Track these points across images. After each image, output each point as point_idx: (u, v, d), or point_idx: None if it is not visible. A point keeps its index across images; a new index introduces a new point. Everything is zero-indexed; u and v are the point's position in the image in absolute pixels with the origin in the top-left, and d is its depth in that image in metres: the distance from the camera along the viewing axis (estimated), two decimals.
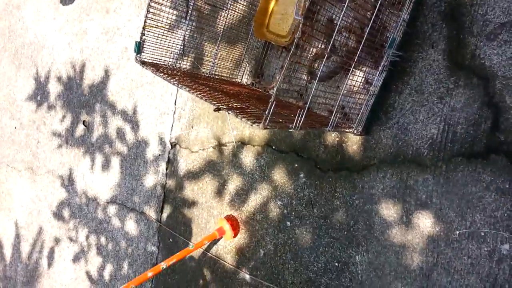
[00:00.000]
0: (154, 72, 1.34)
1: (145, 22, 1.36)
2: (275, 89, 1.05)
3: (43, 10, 3.01)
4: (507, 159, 1.19)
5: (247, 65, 1.86)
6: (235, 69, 1.86)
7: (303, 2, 1.54)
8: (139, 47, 1.37)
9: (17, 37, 3.23)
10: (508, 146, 1.19)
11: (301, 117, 1.16)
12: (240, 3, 1.83)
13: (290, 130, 1.17)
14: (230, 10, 1.78)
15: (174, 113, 2.20)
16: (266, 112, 1.06)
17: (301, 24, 1.02)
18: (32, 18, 3.11)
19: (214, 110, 1.15)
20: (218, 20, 1.78)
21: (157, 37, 1.52)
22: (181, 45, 1.64)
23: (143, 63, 1.39)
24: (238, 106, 1.23)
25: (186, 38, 2.09)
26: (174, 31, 1.65)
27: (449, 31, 1.30)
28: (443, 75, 1.30)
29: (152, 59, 1.50)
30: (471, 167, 1.25)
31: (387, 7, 1.37)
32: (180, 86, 1.26)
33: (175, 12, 1.67)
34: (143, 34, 1.37)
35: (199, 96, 1.21)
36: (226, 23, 1.81)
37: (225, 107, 1.15)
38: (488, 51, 1.23)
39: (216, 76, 1.74)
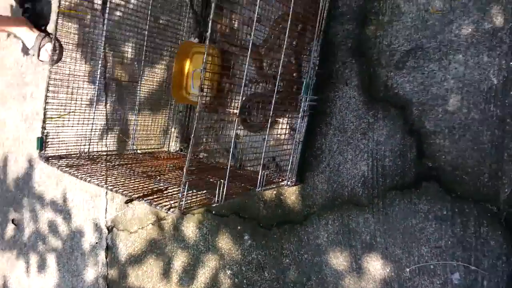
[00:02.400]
0: (61, 167, 1.32)
1: (44, 114, 1.35)
2: (185, 169, 1.05)
3: None
4: (438, 185, 1.23)
5: (174, 130, 1.88)
6: (162, 137, 1.87)
7: (199, 75, 1.60)
8: (41, 143, 1.35)
9: None
10: (437, 171, 1.24)
11: (223, 188, 1.16)
12: (156, 69, 1.88)
13: (214, 205, 1.16)
14: (146, 78, 1.82)
15: (106, 194, 2.15)
16: (180, 196, 1.05)
17: (199, 98, 1.05)
18: None
19: (126, 203, 1.13)
20: (136, 88, 1.81)
21: (67, 124, 1.50)
22: (92, 127, 1.63)
23: (48, 159, 1.36)
24: (156, 190, 1.21)
25: (109, 112, 2.10)
26: (89, 110, 1.65)
27: (359, 66, 1.38)
28: (362, 110, 1.36)
29: (63, 149, 1.48)
30: (406, 199, 1.28)
31: (295, 54, 1.45)
32: (88, 180, 1.24)
33: (89, 90, 1.69)
34: (44, 128, 1.35)
35: (109, 188, 1.20)
36: (144, 91, 1.84)
37: (137, 196, 1.13)
38: (399, 80, 1.31)
39: (140, 151, 1.74)
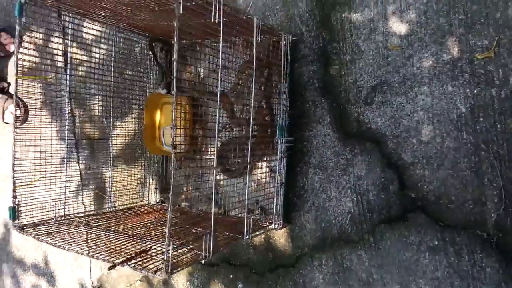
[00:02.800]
0: (36, 236, 1.25)
1: (14, 183, 1.29)
2: (167, 230, 1.01)
3: None
4: (425, 215, 1.21)
5: (151, 182, 1.82)
6: (140, 190, 1.81)
7: (169, 132, 1.56)
8: (14, 213, 1.28)
9: None
10: (421, 202, 1.22)
11: (210, 242, 1.11)
12: (127, 121, 1.82)
13: (203, 261, 1.12)
14: (117, 133, 1.76)
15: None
16: (165, 258, 1.00)
17: (173, 154, 1.01)
18: None
19: (109, 269, 1.07)
20: (108, 143, 1.74)
21: (39, 188, 1.44)
22: (65, 188, 1.56)
23: (23, 228, 1.29)
24: (139, 251, 1.16)
25: (82, 169, 2.03)
26: (61, 171, 1.58)
27: (329, 105, 1.36)
28: (338, 147, 1.35)
29: (38, 216, 1.41)
30: (396, 232, 1.26)
31: (265, 98, 1.43)
32: (67, 247, 1.17)
33: (59, 149, 1.62)
34: (15, 197, 1.29)
35: (90, 255, 1.14)
36: (118, 145, 1.78)
37: (120, 261, 1.07)
38: (370, 115, 1.29)
39: (119, 207, 1.67)
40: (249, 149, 1.29)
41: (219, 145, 1.55)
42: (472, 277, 1.15)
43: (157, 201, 1.79)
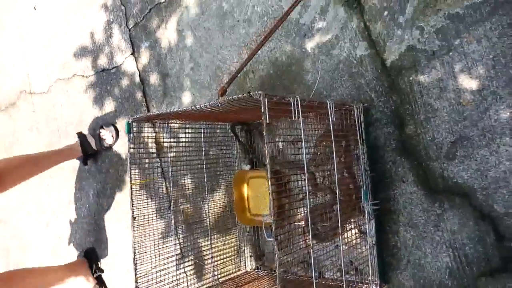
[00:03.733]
0: None
1: (135, 275, 1.41)
2: None
3: (43, 259, 3.11)
4: None
5: (246, 249, 1.89)
6: (236, 258, 1.89)
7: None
8: None
9: None
10: None
11: None
12: (217, 195, 1.94)
13: None
14: (210, 204, 1.88)
15: None
16: None
17: (273, 225, 1.08)
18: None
19: None
20: (203, 215, 1.86)
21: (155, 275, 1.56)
22: (176, 257, 1.68)
23: None
24: None
25: (181, 243, 2.16)
26: (166, 245, 1.71)
27: (410, 163, 1.38)
28: (426, 203, 1.35)
29: None
30: (499, 284, 1.21)
31: (346, 167, 1.48)
32: None
33: (161, 225, 1.75)
34: (137, 282, 1.41)
35: None
36: (211, 218, 1.89)
37: None
38: (454, 170, 1.29)
39: (220, 279, 1.76)
40: (339, 215, 1.34)
41: (305, 212, 1.60)
42: None
43: (253, 267, 1.86)
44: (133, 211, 1.43)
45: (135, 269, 1.41)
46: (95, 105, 2.62)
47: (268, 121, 1.05)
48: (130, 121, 1.38)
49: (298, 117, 1.12)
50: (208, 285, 1.73)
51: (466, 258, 1.27)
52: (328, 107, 1.28)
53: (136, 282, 1.41)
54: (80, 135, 2.48)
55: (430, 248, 1.34)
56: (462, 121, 1.28)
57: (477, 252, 1.25)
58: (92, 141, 2.46)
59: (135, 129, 1.40)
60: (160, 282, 1.56)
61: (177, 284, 1.62)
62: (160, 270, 1.59)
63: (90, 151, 2.48)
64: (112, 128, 2.44)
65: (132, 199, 1.41)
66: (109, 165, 2.54)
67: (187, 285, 1.68)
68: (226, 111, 1.38)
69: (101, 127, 2.45)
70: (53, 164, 2.42)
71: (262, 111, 1.07)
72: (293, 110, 1.13)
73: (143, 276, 1.46)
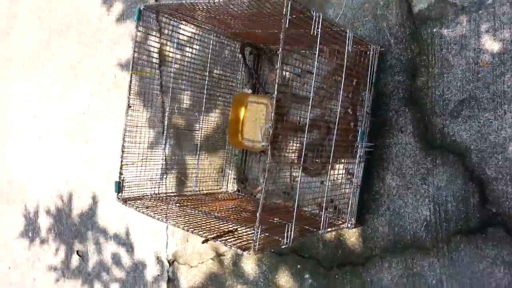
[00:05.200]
0: (138, 208, 1.32)
1: (121, 162, 1.36)
2: (258, 215, 1.03)
3: (25, 148, 3.04)
4: (505, 230, 1.16)
5: (230, 172, 1.86)
6: (219, 178, 1.86)
7: (266, 130, 1.58)
8: (119, 187, 1.36)
9: (0, 175, 3.22)
10: (501, 217, 1.17)
11: (291, 231, 1.13)
12: (212, 116, 1.87)
13: (283, 247, 1.13)
14: (204, 123, 1.81)
15: (167, 229, 2.14)
16: (254, 238, 1.03)
17: (269, 149, 1.02)
18: (13, 155, 3.12)
19: (202, 243, 1.12)
20: (194, 133, 1.81)
21: (138, 169, 1.51)
22: (161, 167, 1.64)
23: (125, 201, 1.37)
24: (227, 230, 1.19)
25: (168, 154, 2.10)
26: (154, 153, 1.66)
27: (413, 115, 1.33)
28: (419, 156, 1.31)
29: (136, 191, 1.49)
30: (472, 244, 1.21)
31: (349, 104, 1.41)
32: (166, 221, 1.23)
33: (151, 134, 1.69)
34: (121, 173, 1.37)
35: (185, 229, 1.18)
36: (202, 135, 1.83)
37: (212, 237, 1.11)
38: (455, 128, 1.25)
39: (202, 192, 1.73)
40: (332, 151, 1.29)
41: (300, 145, 1.55)
42: None
43: (234, 190, 1.83)
44: (129, 99, 1.35)
45: (122, 157, 1.35)
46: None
47: (287, 26, 0.96)
48: (142, 7, 1.26)
49: (316, 34, 1.03)
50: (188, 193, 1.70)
51: (446, 214, 1.26)
52: (347, 36, 1.19)
53: (120, 169, 1.36)
54: None
55: (412, 199, 1.32)
56: (475, 81, 1.22)
57: (458, 210, 1.24)
58: None
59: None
60: (141, 184, 1.52)
61: (158, 187, 1.58)
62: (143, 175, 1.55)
63: None
64: None
65: (130, 87, 1.33)
66: (106, 68, 2.42)
67: (166, 192, 1.64)
68: (241, 17, 1.27)
69: None
70: None
71: (284, 13, 0.97)
72: (313, 25, 1.03)
73: (128, 166, 1.41)
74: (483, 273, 1.19)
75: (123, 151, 1.39)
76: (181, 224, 1.26)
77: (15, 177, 3.10)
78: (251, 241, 1.09)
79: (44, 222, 2.88)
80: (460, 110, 1.24)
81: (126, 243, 2.36)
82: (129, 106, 1.38)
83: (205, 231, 1.22)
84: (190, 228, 1.24)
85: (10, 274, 3.19)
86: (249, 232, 1.23)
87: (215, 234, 1.20)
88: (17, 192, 3.09)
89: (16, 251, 3.12)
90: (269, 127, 1.08)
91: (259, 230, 1.06)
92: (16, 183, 3.10)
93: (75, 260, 2.70)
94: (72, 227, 2.70)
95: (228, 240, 1.17)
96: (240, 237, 1.21)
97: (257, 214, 1.07)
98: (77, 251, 2.68)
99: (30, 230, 3.00)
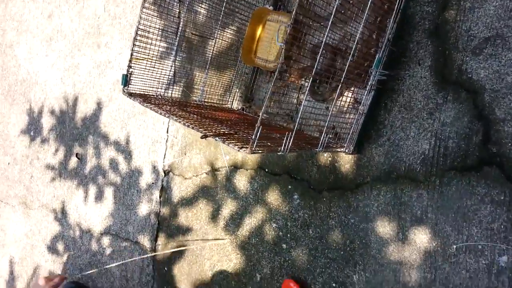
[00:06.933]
0: (142, 103, 1.29)
1: (131, 55, 1.31)
2: (260, 114, 1.00)
3: (36, 47, 2.97)
4: (500, 170, 1.14)
5: (237, 90, 1.82)
6: (225, 95, 1.82)
7: (283, 29, 1.52)
8: (126, 80, 1.32)
9: (10, 74, 3.17)
10: (500, 158, 1.15)
11: (290, 139, 1.11)
12: (228, 31, 1.80)
13: (279, 153, 1.11)
14: (218, 39, 1.75)
15: (166, 141, 2.13)
16: (253, 137, 1.00)
17: (283, 50, 0.98)
18: (24, 56, 3.05)
19: (201, 138, 1.09)
20: (207, 48, 1.75)
21: (145, 68, 1.47)
22: (169, 75, 1.59)
23: (130, 94, 1.33)
24: (226, 132, 1.17)
25: (177, 67, 2.05)
26: (163, 61, 1.61)
27: (434, 48, 1.27)
28: (431, 91, 1.27)
29: (141, 90, 1.45)
30: (464, 180, 1.20)
31: (372, 28, 1.35)
32: (167, 115, 1.20)
33: (163, 44, 1.63)
34: (130, 67, 1.32)
35: (186, 124, 1.16)
36: (215, 51, 1.77)
37: (212, 133, 1.09)
38: (474, 66, 1.20)
39: (206, 103, 1.69)
40: (344, 75, 1.25)
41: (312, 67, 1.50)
42: None
43: (239, 108, 1.80)
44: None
45: (132, 50, 1.30)
46: None
47: None
48: None
49: None
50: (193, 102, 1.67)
51: (445, 150, 1.24)
52: None
53: (129, 63, 1.31)
54: None
55: (415, 132, 1.30)
56: (506, 19, 1.15)
57: (459, 147, 1.21)
58: None
59: None
60: (148, 83, 1.48)
61: (164, 91, 1.54)
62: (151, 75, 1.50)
63: None
64: None
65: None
66: None
67: (172, 97, 1.61)
68: None
69: None
70: None
71: None
72: None
73: (138, 63, 1.36)
74: (469, 209, 1.18)
75: (134, 44, 1.34)
76: (182, 120, 1.23)
77: (24, 77, 3.05)
78: (248, 145, 1.07)
79: (47, 123, 2.86)
80: (484, 48, 1.19)
81: (125, 150, 2.36)
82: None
83: (205, 130, 1.20)
84: (191, 125, 1.22)
85: (9, 169, 3.21)
86: (249, 137, 1.21)
87: (215, 133, 1.18)
88: (24, 91, 3.05)
89: (17, 147, 3.13)
90: (282, 46, 1.03)
91: (259, 130, 1.04)
92: (24, 83, 3.05)
93: (73, 162, 2.71)
94: (74, 130, 2.69)
95: (227, 139, 1.14)
96: (240, 139, 1.18)
97: (260, 113, 1.05)
98: (76, 154, 2.69)
99: (33, 129, 2.99)
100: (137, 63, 1.43)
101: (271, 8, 1.63)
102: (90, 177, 2.57)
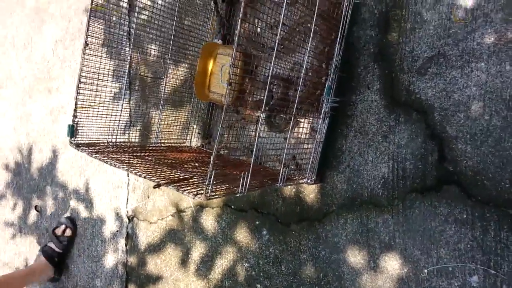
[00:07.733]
0: (90, 153, 1.27)
1: (75, 104, 1.30)
2: (212, 157, 1.00)
3: None
4: (460, 188, 1.17)
5: (195, 127, 1.82)
6: (183, 133, 1.81)
7: (227, 68, 1.54)
8: (72, 130, 1.30)
9: None
10: (458, 176, 1.18)
11: (247, 179, 1.10)
12: (180, 68, 1.82)
13: (238, 195, 1.11)
14: (169, 77, 1.75)
15: (128, 185, 2.10)
16: (206, 182, 1.00)
17: (227, 91, 0.99)
18: None
19: (154, 187, 1.08)
20: (160, 87, 1.75)
21: (95, 115, 1.46)
22: (121, 119, 1.58)
23: (78, 145, 1.31)
24: (181, 178, 1.16)
25: (132, 108, 2.04)
26: (115, 105, 1.59)
27: (381, 71, 1.31)
28: (383, 114, 1.30)
29: (90, 139, 1.43)
30: (426, 201, 1.22)
31: (320, 57, 1.38)
32: (117, 165, 1.18)
33: (115, 85, 1.63)
34: (75, 116, 1.30)
35: (138, 174, 1.14)
36: (168, 89, 1.78)
37: (164, 182, 1.08)
38: (421, 85, 1.24)
39: (164, 144, 1.68)
40: (296, 106, 1.27)
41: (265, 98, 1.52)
42: (495, 253, 1.11)
43: (198, 145, 1.79)
44: (86, 37, 1.28)
45: (76, 98, 1.29)
46: None
47: None
48: None
49: None
50: (149, 145, 1.66)
51: (404, 172, 1.26)
52: None
53: (74, 112, 1.30)
54: (42, 249, 2.30)
55: (372, 156, 1.32)
56: (445, 37, 1.20)
57: (416, 168, 1.24)
58: (53, 246, 2.29)
59: None
60: (98, 131, 1.46)
61: (116, 137, 1.52)
62: (100, 122, 1.49)
63: (56, 257, 2.30)
64: (64, 222, 2.33)
65: (89, 22, 1.26)
66: (73, 14, 2.31)
67: (124, 142, 1.59)
68: None
69: (54, 230, 2.32)
70: (26, 285, 2.20)
71: None
72: None
73: (84, 111, 1.35)
74: (435, 230, 1.20)
75: (78, 92, 1.32)
76: (133, 169, 1.22)
77: None
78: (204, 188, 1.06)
79: (3, 176, 2.78)
80: (428, 67, 1.23)
81: (85, 198, 2.30)
82: (86, 44, 1.31)
83: (158, 177, 1.18)
84: (143, 173, 1.20)
85: None
86: (204, 181, 1.20)
87: (168, 180, 1.17)
88: None
89: None
90: (229, 66, 1.05)
91: (213, 174, 1.03)
92: None
93: (33, 215, 2.62)
94: (31, 181, 2.62)
95: (181, 186, 1.13)
96: (194, 185, 1.17)
97: (211, 158, 1.04)
98: (35, 206, 2.61)
99: None
100: (84, 110, 1.42)
101: (220, 42, 1.66)
102: (51, 230, 2.49)
